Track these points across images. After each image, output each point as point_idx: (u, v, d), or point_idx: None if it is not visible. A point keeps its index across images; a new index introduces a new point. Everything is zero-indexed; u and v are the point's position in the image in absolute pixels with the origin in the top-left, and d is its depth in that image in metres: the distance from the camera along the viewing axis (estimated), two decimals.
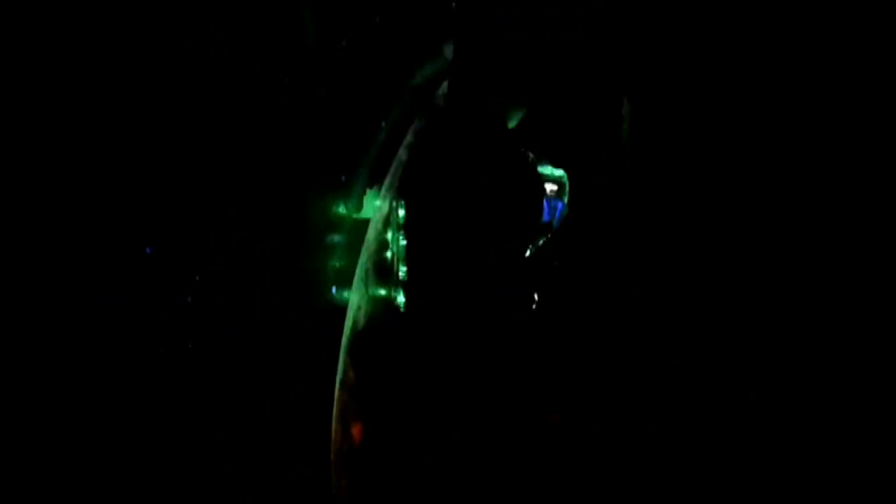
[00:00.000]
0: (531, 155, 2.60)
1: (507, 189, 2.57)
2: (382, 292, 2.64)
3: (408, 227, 2.56)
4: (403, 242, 2.57)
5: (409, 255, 2.56)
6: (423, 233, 2.57)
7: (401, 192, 2.59)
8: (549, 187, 2.62)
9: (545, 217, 2.61)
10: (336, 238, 2.63)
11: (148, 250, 2.41)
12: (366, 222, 2.68)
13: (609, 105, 2.75)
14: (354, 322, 2.63)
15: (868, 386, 2.62)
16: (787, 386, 2.67)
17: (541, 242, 2.64)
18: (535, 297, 2.65)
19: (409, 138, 2.60)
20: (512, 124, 2.63)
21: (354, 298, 2.63)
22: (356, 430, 2.60)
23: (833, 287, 2.70)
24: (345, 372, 2.60)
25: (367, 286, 2.64)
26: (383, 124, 2.66)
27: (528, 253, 2.63)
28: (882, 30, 2.71)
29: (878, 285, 2.68)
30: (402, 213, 2.59)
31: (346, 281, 2.64)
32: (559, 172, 2.63)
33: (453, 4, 2.67)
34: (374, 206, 2.67)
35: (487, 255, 2.57)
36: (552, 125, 2.68)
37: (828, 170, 2.72)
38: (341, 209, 2.65)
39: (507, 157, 2.59)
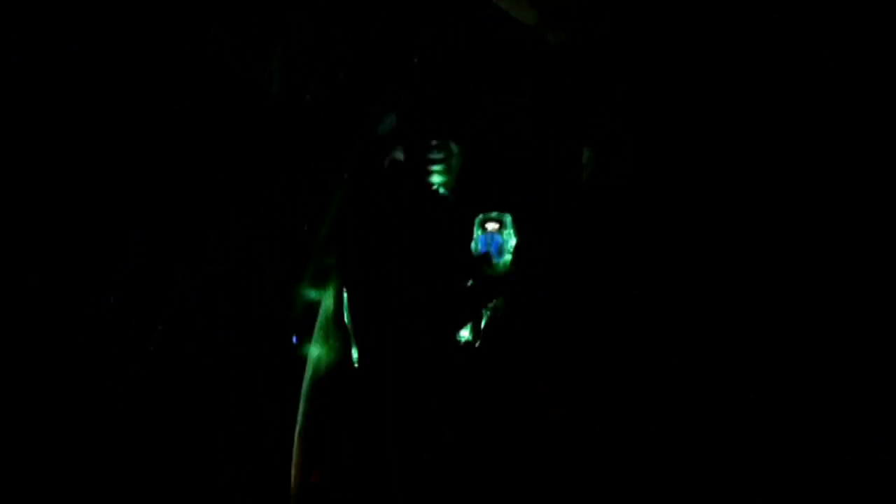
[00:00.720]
0: (455, 199, 2.72)
1: (431, 236, 2.67)
2: (340, 345, 2.70)
3: (344, 281, 2.68)
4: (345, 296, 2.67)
5: (350, 308, 2.66)
6: (357, 285, 2.67)
7: (333, 246, 2.72)
8: (490, 225, 2.70)
9: (493, 251, 2.67)
10: (300, 290, 2.74)
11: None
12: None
13: (568, 154, 2.88)
14: (315, 372, 2.66)
15: (868, 386, 2.44)
16: (786, 384, 2.52)
17: (490, 276, 2.68)
18: (482, 331, 2.65)
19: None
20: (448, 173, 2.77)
21: (315, 350, 2.69)
22: (315, 478, 2.54)
23: (831, 286, 2.60)
24: (304, 422, 2.60)
25: (326, 338, 2.71)
26: (345, 177, 2.80)
27: (470, 292, 2.67)
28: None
29: (878, 285, 2.57)
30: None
31: (307, 333, 2.72)
32: (498, 214, 2.71)
33: (415, 61, 2.90)
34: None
35: (420, 303, 2.62)
36: (493, 172, 2.82)
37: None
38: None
39: (430, 206, 2.71)
